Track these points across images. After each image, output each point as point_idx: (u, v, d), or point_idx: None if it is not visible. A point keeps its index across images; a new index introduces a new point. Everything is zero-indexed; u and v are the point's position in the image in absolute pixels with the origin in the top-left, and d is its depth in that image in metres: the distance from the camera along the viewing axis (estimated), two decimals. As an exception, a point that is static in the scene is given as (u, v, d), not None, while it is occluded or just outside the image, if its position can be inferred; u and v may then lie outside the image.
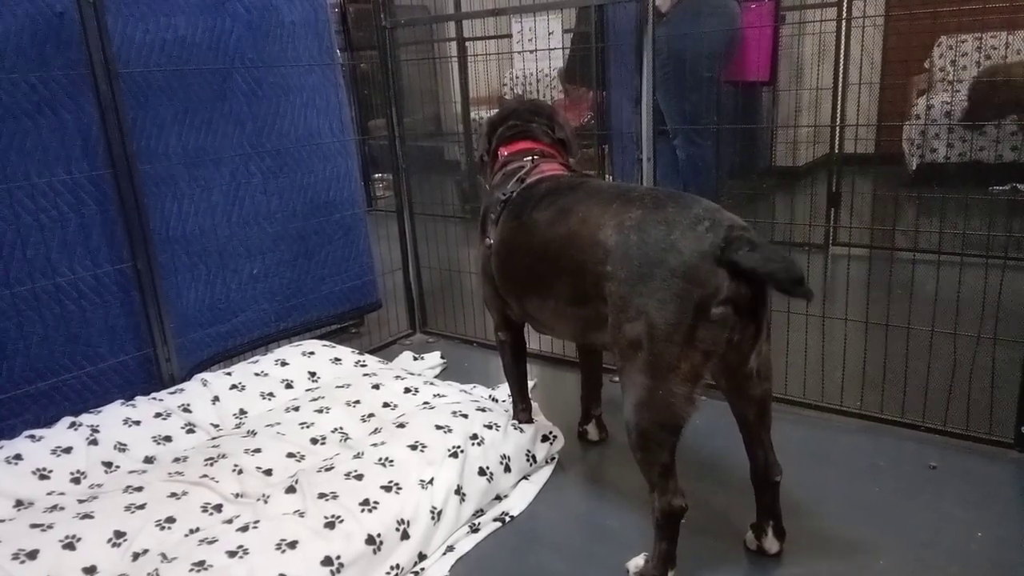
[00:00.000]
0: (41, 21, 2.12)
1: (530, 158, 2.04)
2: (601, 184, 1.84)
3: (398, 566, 1.68)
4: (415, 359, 2.89)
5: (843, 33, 3.76)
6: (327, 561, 1.59)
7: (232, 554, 1.58)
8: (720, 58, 3.54)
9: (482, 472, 1.94)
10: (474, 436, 2.01)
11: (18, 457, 1.96)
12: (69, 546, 1.64)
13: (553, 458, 2.15)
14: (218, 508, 1.80)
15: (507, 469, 2.00)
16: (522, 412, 2.18)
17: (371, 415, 2.25)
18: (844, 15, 3.78)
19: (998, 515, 1.81)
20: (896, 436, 2.17)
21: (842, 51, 3.79)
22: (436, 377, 2.71)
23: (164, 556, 1.61)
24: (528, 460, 2.07)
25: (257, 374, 2.46)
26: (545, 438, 2.13)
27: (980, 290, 2.17)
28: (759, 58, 3.75)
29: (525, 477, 2.06)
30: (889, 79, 5.03)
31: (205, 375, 2.42)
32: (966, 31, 5.06)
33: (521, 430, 2.10)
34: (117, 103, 2.22)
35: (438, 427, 2.02)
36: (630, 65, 3.49)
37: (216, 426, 2.24)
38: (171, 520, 1.74)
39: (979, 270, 2.19)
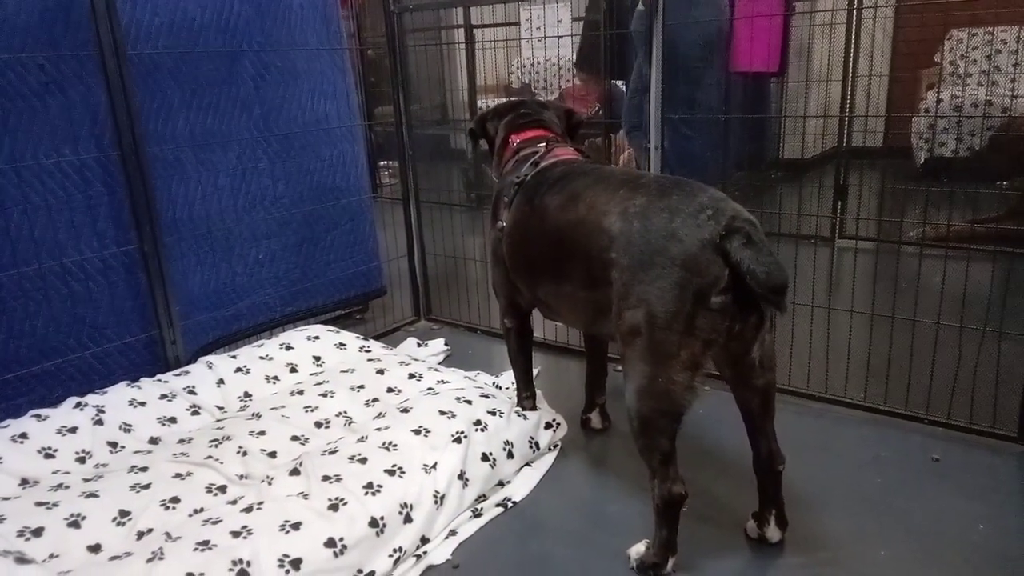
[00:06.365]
0: (51, 1, 2.12)
1: (544, 144, 2.05)
2: (612, 170, 1.85)
3: (400, 549, 1.69)
4: (419, 345, 2.90)
5: (853, 24, 3.74)
6: (330, 543, 1.60)
7: (236, 534, 1.59)
8: (711, 47, 3.46)
9: (485, 458, 1.95)
10: (477, 422, 2.02)
11: (24, 436, 1.97)
12: (74, 524, 1.65)
13: (556, 445, 2.16)
14: (222, 489, 1.82)
15: (510, 455, 2.01)
16: (526, 399, 2.18)
17: (375, 400, 2.25)
18: (854, 5, 3.74)
19: (1000, 507, 1.81)
20: (900, 428, 2.17)
21: (851, 42, 3.76)
22: (440, 364, 2.71)
23: (168, 535, 1.62)
24: (531, 447, 2.07)
25: (262, 357, 2.46)
26: (548, 425, 2.14)
27: (987, 284, 2.17)
28: (769, 49, 3.73)
29: (528, 463, 2.07)
30: (898, 72, 5.00)
31: (210, 358, 2.43)
32: (978, 24, 5.02)
33: (524, 417, 2.11)
34: (125, 85, 2.22)
35: (442, 412, 2.03)
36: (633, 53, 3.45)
37: (221, 408, 2.25)
38: (175, 500, 1.75)
39: (986, 264, 2.19)
